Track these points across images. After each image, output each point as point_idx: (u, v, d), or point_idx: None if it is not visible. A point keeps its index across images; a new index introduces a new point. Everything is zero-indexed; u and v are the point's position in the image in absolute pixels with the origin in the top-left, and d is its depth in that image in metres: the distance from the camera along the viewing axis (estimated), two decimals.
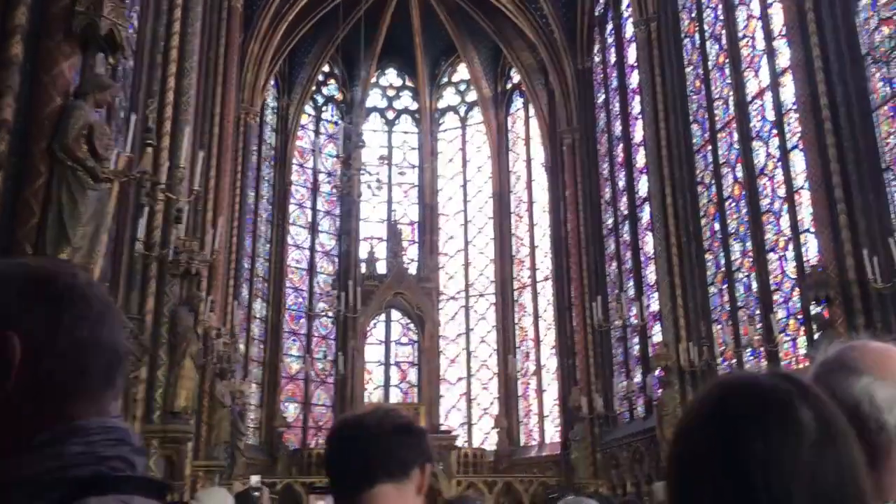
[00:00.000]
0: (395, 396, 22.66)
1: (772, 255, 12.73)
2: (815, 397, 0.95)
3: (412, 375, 23.07)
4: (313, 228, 23.66)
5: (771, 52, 12.98)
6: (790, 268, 12.27)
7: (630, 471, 15.64)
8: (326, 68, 24.31)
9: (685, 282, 14.42)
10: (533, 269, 22.85)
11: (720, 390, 0.98)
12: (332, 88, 25.01)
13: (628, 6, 17.68)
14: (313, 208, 23.89)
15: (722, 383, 1.00)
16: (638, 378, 16.81)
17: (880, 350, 1.31)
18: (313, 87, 24.09)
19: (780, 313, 12.37)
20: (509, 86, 24.33)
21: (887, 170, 10.05)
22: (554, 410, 20.83)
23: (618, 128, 18.85)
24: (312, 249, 23.41)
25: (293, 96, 23.34)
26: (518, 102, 24.24)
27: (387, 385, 22.86)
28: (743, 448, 0.89)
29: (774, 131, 12.81)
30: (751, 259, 13.17)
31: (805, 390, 0.95)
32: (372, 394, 22.12)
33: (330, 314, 22.43)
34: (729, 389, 0.97)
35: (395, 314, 23.13)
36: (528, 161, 23.69)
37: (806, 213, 11.70)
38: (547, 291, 21.98)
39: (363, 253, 23.44)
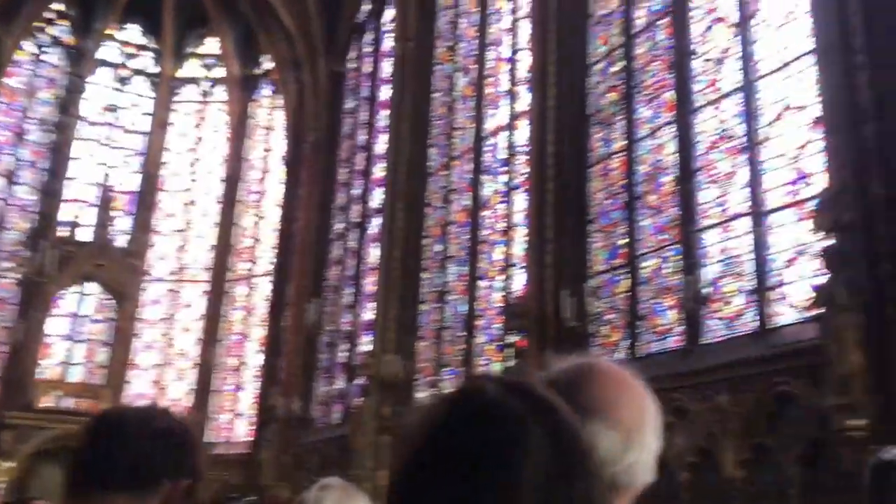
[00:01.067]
0: (78, 375, 20.73)
1: (482, 283, 13.48)
2: (557, 422, 0.80)
3: (102, 356, 21.23)
4: (10, 177, 21.04)
5: (512, 96, 13.84)
6: (496, 297, 13.07)
7: (317, 475, 15.56)
8: (61, 7, 21.96)
9: (400, 296, 14.80)
10: (253, 262, 22.24)
11: (451, 398, 0.85)
12: (63, 30, 22.59)
13: (392, 21, 17.98)
14: (15, 155, 21.29)
15: (462, 388, 0.87)
16: (340, 385, 16.92)
17: (617, 385, 1.19)
18: (39, 23, 21.60)
19: (482, 338, 13.11)
20: (259, 71, 23.59)
21: (591, 222, 11.07)
22: (250, 409, 20.32)
23: (361, 137, 19.04)
24: (5, 200, 20.82)
25: (13, 27, 20.70)
26: (266, 90, 23.58)
27: (70, 362, 20.80)
28: (450, 477, 0.76)
29: (503, 168, 13.65)
30: (464, 283, 13.85)
31: (546, 411, 0.80)
32: (46, 370, 20.07)
33: (15, 275, 20.04)
34: (458, 399, 0.84)
35: (93, 287, 21.20)
36: (267, 152, 23.11)
37: (518, 249, 12.56)
38: (264, 287, 21.49)
39: (67, 215, 21.29)
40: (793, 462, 7.47)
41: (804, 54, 8.65)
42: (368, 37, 19.61)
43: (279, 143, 22.40)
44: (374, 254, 16.71)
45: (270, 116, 23.37)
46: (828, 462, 7.11)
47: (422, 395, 14.03)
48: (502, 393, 0.81)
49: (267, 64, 23.00)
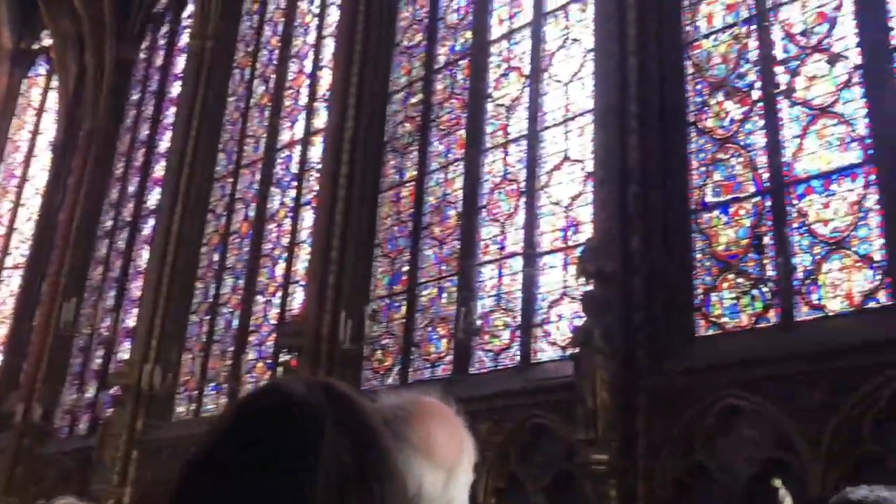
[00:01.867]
0: None
1: (260, 298, 13.11)
2: (360, 425, 0.74)
3: None
4: None
5: (310, 111, 13.71)
6: (273, 313, 12.76)
7: (54, 490, 14.27)
8: None
9: (169, 304, 14.01)
10: (3, 254, 20.12)
11: (249, 397, 0.79)
12: None
13: (189, 17, 17.22)
14: None
15: (263, 388, 0.81)
16: (91, 393, 15.65)
17: (443, 424, 1.20)
18: None
19: (252, 354, 12.72)
20: (37, 47, 21.59)
21: (377, 246, 11.17)
22: None
23: (144, 132, 17.95)
24: None
25: None
26: (42, 69, 21.62)
27: None
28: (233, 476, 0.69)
29: (294, 183, 13.43)
30: (239, 297, 13.39)
31: (348, 412, 0.74)
32: None
33: None
34: (257, 395, 0.78)
35: None
36: (35, 134, 21.13)
37: (301, 266, 12.37)
38: (14, 281, 19.49)
39: None
40: (539, 491, 7.89)
41: (585, 112, 9.35)
42: (165, 29, 18.62)
43: (50, 126, 20.58)
44: (145, 256, 15.72)
45: (43, 97, 21.43)
46: (572, 493, 7.59)
47: (181, 409, 13.33)
48: (302, 390, 0.76)
49: (46, 40, 21.13)
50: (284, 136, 14.16)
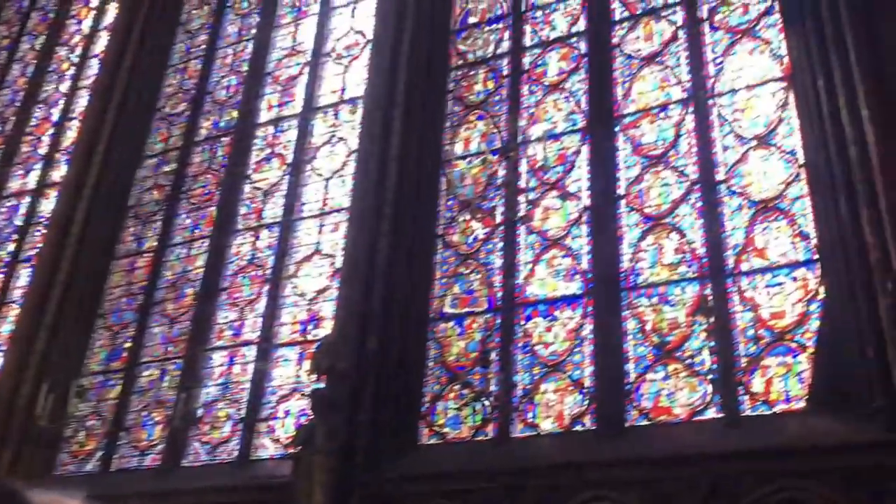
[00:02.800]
0: None
1: None
2: None
3: None
4: None
5: (49, 161, 12.60)
6: None
7: None
8: None
9: None
10: None
11: None
12: None
13: None
14: None
15: None
16: None
17: None
18: None
19: None
20: None
21: (101, 316, 10.27)
22: None
23: None
24: None
25: None
26: None
27: None
28: None
29: (15, 237, 12.11)
30: None
31: None
32: None
33: None
34: None
35: None
36: None
37: (6, 329, 11.01)
38: None
39: None
40: None
41: (342, 209, 9.41)
42: None
43: None
44: None
45: None
46: None
47: None
48: None
49: None
50: (14, 185, 12.84)
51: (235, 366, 9.09)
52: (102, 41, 13.36)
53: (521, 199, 8.38)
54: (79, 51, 13.78)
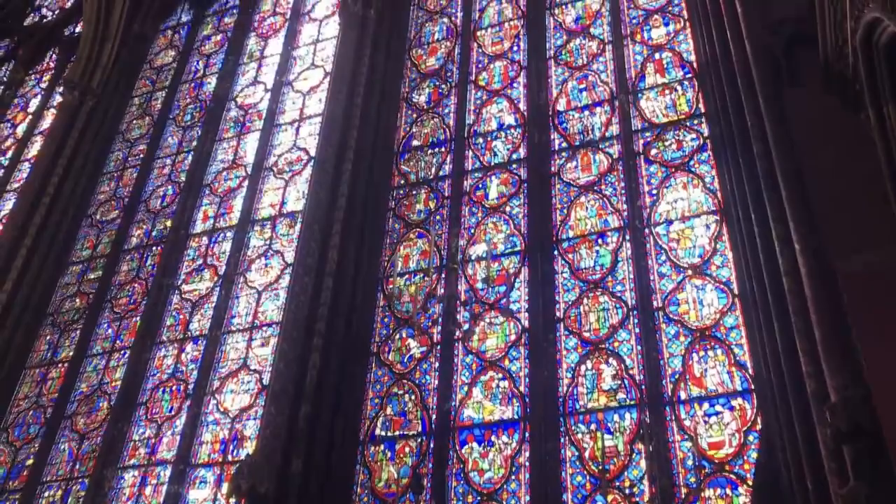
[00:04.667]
0: None
1: None
2: None
3: None
4: None
5: None
6: None
7: None
8: None
9: None
10: None
11: None
12: None
13: None
14: None
15: None
16: None
17: None
18: None
19: None
20: None
21: (3, 430, 9.53)
22: None
23: None
24: None
25: None
26: None
27: None
28: None
29: None
30: None
31: None
32: None
33: None
34: None
35: None
36: None
37: None
38: None
39: None
40: None
41: (274, 324, 9.10)
42: None
43: None
44: None
45: None
46: None
47: None
48: None
49: None
50: None
51: (147, 487, 8.44)
52: (36, 146, 13.13)
53: (460, 317, 8.25)
54: (10, 154, 13.49)
